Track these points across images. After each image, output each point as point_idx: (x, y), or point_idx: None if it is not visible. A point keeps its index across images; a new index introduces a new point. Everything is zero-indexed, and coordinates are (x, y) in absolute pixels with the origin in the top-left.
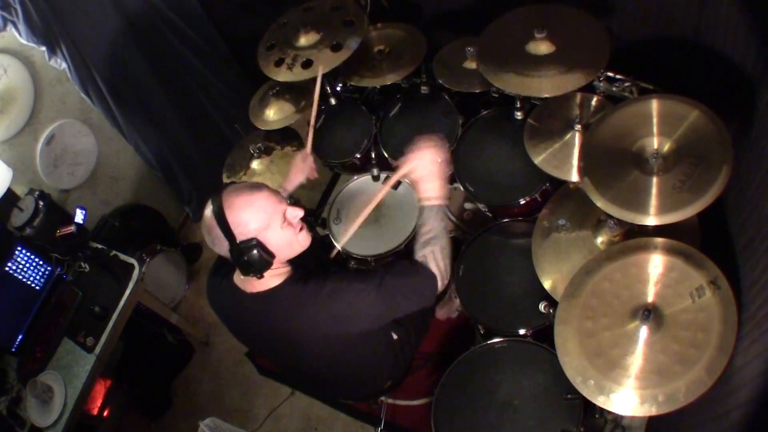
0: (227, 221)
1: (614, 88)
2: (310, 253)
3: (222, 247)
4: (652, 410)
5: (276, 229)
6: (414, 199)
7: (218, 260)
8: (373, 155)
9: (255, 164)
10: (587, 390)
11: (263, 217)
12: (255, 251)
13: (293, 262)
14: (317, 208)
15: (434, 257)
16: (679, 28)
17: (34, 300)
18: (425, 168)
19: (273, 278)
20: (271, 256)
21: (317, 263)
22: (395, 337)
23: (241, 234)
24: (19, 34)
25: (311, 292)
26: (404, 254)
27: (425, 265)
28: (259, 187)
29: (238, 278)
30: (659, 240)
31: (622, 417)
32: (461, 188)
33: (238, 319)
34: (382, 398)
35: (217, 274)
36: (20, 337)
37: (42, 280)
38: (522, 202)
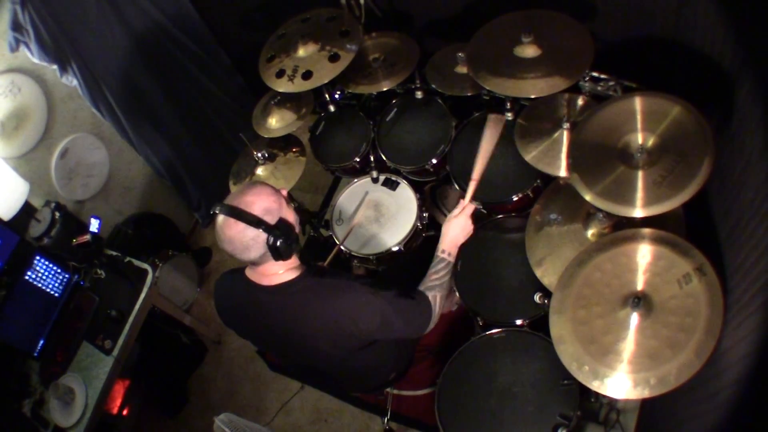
0: (256, 216)
1: (599, 88)
2: (315, 253)
3: (256, 245)
4: (644, 393)
5: (286, 208)
6: (413, 199)
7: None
8: (371, 158)
9: (260, 170)
10: (582, 375)
11: (276, 199)
12: (288, 229)
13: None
14: (320, 210)
15: (436, 302)
16: (659, 28)
17: (54, 306)
18: (456, 231)
19: (289, 272)
20: (296, 233)
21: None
22: None
23: (272, 220)
24: (31, 54)
25: (327, 284)
26: (404, 253)
27: (428, 302)
28: (253, 182)
29: (252, 273)
30: (647, 230)
31: (616, 400)
32: (457, 187)
33: (251, 314)
34: (388, 389)
35: (226, 276)
36: (41, 342)
37: (60, 288)
38: (515, 198)
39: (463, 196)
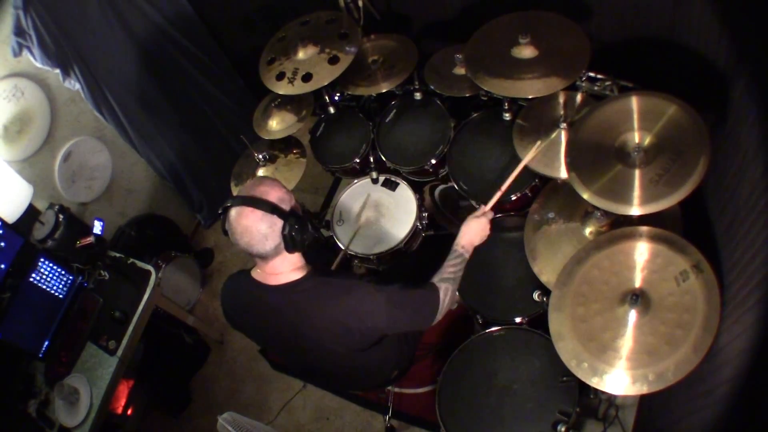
0: (272, 203)
1: (596, 87)
2: (317, 253)
3: (272, 234)
4: (643, 389)
5: (295, 203)
6: (412, 200)
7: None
8: (371, 159)
9: (261, 172)
10: (581, 372)
11: (287, 192)
12: (301, 218)
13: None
14: (321, 210)
15: (446, 294)
16: (654, 28)
17: (58, 308)
18: (475, 231)
19: (295, 271)
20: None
21: (325, 263)
22: None
23: (286, 207)
24: (34, 59)
25: (334, 284)
26: (404, 252)
27: (437, 293)
28: (263, 176)
29: (258, 273)
30: (644, 228)
31: (615, 396)
32: (456, 188)
33: (257, 314)
34: (389, 388)
35: (232, 277)
36: (46, 343)
37: (65, 289)
38: (513, 198)
39: (463, 196)
